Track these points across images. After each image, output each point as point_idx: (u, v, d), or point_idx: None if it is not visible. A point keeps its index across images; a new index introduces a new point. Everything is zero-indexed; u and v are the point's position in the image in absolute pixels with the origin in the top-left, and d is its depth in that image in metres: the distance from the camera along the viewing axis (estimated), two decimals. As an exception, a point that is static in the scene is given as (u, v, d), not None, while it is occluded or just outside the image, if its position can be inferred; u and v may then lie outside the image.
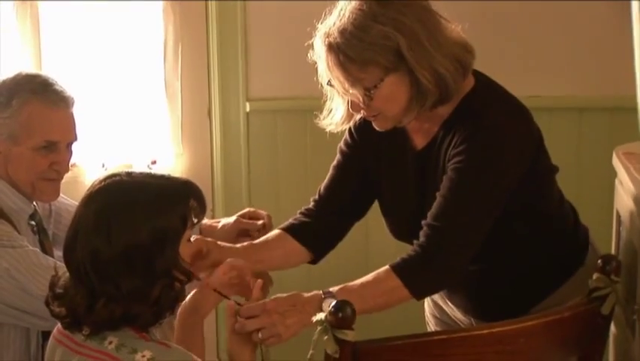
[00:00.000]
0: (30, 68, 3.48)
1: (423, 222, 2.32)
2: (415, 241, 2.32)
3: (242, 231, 2.84)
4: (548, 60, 3.92)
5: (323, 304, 2.17)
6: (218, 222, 2.89)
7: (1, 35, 3.53)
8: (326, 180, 2.64)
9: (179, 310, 2.23)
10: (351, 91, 2.29)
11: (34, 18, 3.56)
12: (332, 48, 2.26)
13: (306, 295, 2.22)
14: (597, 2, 3.85)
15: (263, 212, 2.89)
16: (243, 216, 2.87)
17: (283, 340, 2.11)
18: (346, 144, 2.59)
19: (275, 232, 2.63)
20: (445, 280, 2.37)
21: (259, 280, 2.24)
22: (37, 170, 2.63)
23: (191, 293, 2.24)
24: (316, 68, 2.37)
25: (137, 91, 3.87)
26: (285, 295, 2.21)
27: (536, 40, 3.92)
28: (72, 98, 2.67)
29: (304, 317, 2.15)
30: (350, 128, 2.57)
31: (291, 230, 2.61)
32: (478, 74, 2.42)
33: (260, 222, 2.84)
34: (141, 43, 3.86)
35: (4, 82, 2.64)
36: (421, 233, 2.31)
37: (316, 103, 2.47)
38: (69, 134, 2.68)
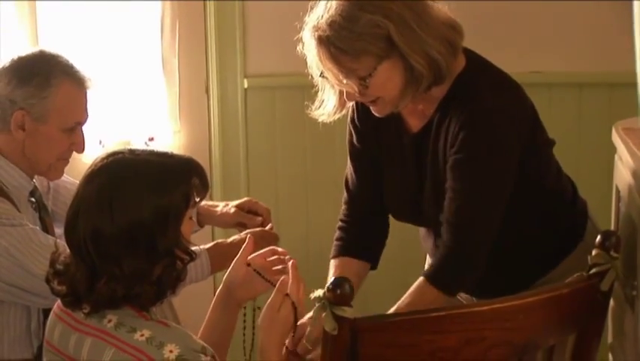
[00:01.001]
0: (26, 40, 3.48)
1: (442, 217, 2.36)
2: (440, 241, 2.37)
3: (240, 223, 2.84)
4: (548, 36, 3.90)
5: None
6: (217, 206, 2.89)
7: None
8: (349, 175, 2.64)
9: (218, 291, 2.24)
10: (345, 82, 2.29)
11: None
12: (322, 41, 2.26)
13: None
14: (597, -23, 3.84)
15: (262, 205, 2.88)
16: (242, 207, 2.86)
17: None
18: (352, 139, 2.60)
19: (335, 261, 2.61)
20: (476, 271, 2.40)
21: (293, 261, 2.23)
22: (60, 150, 2.66)
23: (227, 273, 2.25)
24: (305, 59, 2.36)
25: (134, 68, 3.87)
26: None
27: (536, 16, 3.90)
28: (90, 79, 2.70)
29: None
30: (352, 122, 2.58)
31: (348, 252, 2.61)
32: (468, 52, 2.42)
33: (259, 218, 2.84)
34: (138, 20, 3.85)
35: (30, 60, 2.64)
36: (444, 231, 2.36)
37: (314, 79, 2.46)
38: (87, 115, 2.71)
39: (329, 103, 2.45)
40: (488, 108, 2.33)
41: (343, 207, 2.67)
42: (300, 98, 3.79)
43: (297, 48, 2.37)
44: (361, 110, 2.52)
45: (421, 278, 2.37)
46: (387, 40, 2.25)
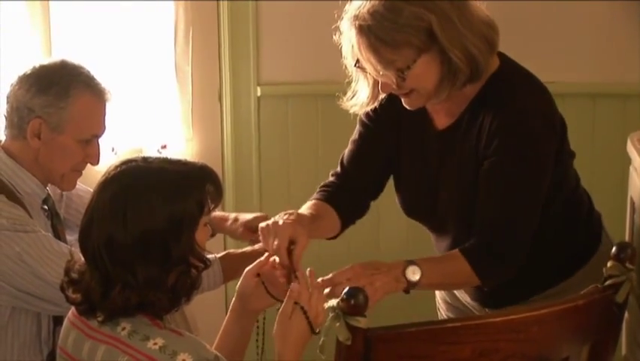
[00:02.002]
0: (40, 50, 3.48)
1: (478, 218, 2.35)
2: (473, 240, 2.34)
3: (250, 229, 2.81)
4: (562, 47, 3.90)
5: (407, 271, 2.25)
6: (226, 220, 2.86)
7: (10, 18, 3.51)
8: (347, 154, 2.63)
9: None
10: (382, 73, 2.28)
11: (44, 2, 3.54)
12: (363, 31, 2.25)
13: (385, 263, 2.27)
14: (612, -12, 3.83)
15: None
16: (250, 225, 2.81)
17: (371, 303, 2.06)
18: (368, 117, 2.58)
19: (314, 201, 2.59)
20: (512, 269, 2.38)
21: (311, 270, 2.22)
22: (74, 161, 2.66)
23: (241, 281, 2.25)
24: (328, 50, 2.35)
25: (147, 75, 3.86)
26: (364, 262, 2.25)
27: (550, 26, 3.90)
28: (110, 92, 2.70)
29: (390, 281, 2.23)
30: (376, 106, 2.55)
31: (329, 200, 2.58)
32: (501, 54, 2.42)
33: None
34: (152, 28, 3.85)
35: (51, 69, 2.64)
36: (479, 232, 2.35)
37: (327, 87, 2.47)
38: (105, 129, 2.71)
39: (362, 94, 2.44)
40: (524, 109, 2.33)
41: (330, 178, 2.65)
42: (313, 106, 3.83)
43: (334, 36, 2.35)
44: (387, 98, 2.50)
45: (455, 250, 2.35)
46: (428, 33, 2.24)
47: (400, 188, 2.60)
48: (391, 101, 2.46)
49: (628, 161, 2.88)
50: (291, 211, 2.38)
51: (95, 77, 2.67)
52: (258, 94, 4.01)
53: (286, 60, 3.99)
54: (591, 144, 3.91)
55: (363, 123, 2.60)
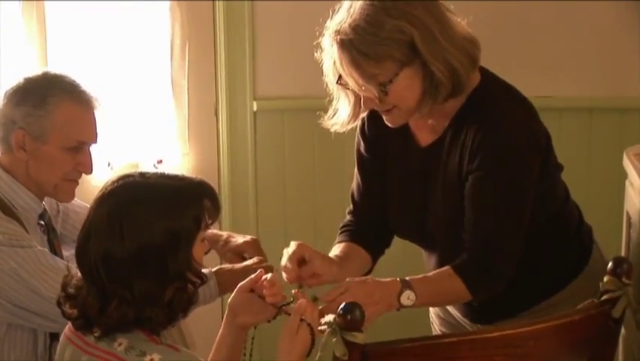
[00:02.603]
0: (35, 68, 3.48)
1: (465, 235, 2.34)
2: (463, 252, 2.34)
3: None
4: (558, 61, 3.90)
5: (401, 296, 2.24)
6: (218, 241, 2.85)
7: (7, 35, 3.51)
8: (355, 187, 2.63)
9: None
10: (365, 87, 2.28)
11: (40, 17, 3.54)
12: (345, 45, 2.25)
13: (383, 282, 2.25)
14: (607, 3, 3.84)
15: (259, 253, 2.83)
16: (240, 251, 2.80)
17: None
18: (360, 146, 2.58)
19: (340, 244, 2.58)
20: (502, 281, 2.37)
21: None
22: (63, 170, 2.64)
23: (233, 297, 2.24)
24: (322, 68, 2.35)
25: (143, 90, 3.86)
26: (360, 280, 2.24)
27: (546, 40, 3.90)
28: (97, 101, 2.68)
29: (383, 309, 2.22)
30: (361, 131, 2.56)
31: (354, 239, 2.58)
32: (482, 69, 2.41)
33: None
34: (148, 42, 3.85)
35: (32, 80, 2.64)
36: (468, 247, 2.34)
37: (324, 102, 2.46)
38: (96, 136, 2.70)
39: (343, 112, 2.43)
40: (506, 123, 2.32)
41: (347, 217, 2.64)
42: (310, 121, 3.79)
43: (316, 54, 2.35)
44: (370, 119, 2.50)
45: (447, 268, 2.35)
46: (410, 46, 2.23)
47: (389, 211, 2.59)
48: (375, 120, 2.46)
49: (624, 175, 2.88)
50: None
51: (80, 85, 2.65)
52: (254, 108, 4.01)
53: (282, 75, 3.99)
54: (587, 158, 3.91)
55: (358, 153, 2.60)
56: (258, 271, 2.27)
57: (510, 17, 3.86)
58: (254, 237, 2.87)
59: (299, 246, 2.33)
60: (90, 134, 2.67)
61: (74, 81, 2.66)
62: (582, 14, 3.88)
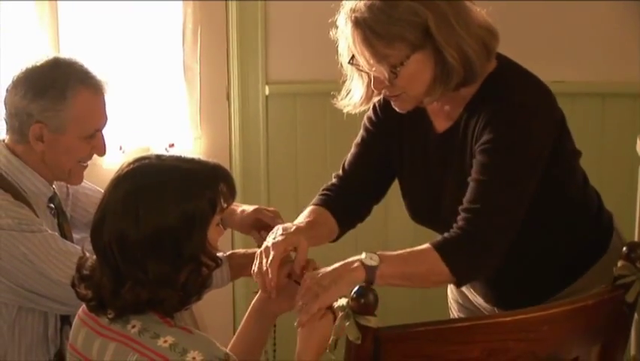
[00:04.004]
0: (48, 47, 3.48)
1: (460, 207, 2.29)
2: (454, 225, 2.28)
3: (257, 221, 2.78)
4: (571, 46, 3.90)
5: (364, 258, 2.17)
6: (239, 206, 2.85)
7: (20, 21, 3.51)
8: (349, 157, 2.62)
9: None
10: (375, 68, 2.27)
11: (52, 2, 3.54)
12: (359, 24, 2.24)
13: (350, 268, 2.18)
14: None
15: (268, 214, 2.80)
16: (250, 221, 2.80)
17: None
18: (370, 121, 2.58)
19: (312, 207, 2.58)
20: (486, 261, 2.30)
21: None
22: (80, 156, 2.65)
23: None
24: (337, 48, 2.35)
25: (155, 74, 3.86)
26: (312, 278, 2.19)
27: (560, 25, 3.90)
28: (107, 82, 2.68)
29: (341, 289, 2.13)
30: (375, 106, 2.55)
31: (327, 205, 2.57)
32: (499, 56, 2.40)
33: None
34: (160, 26, 3.85)
35: (44, 70, 2.61)
36: (459, 217, 2.28)
37: (336, 86, 2.45)
38: (107, 119, 2.70)
39: (356, 93, 2.43)
40: (517, 103, 2.30)
41: (332, 180, 2.63)
42: (322, 105, 3.82)
43: (330, 33, 2.33)
44: (389, 103, 2.48)
45: (427, 245, 2.27)
46: (424, 29, 2.22)
47: (404, 192, 2.59)
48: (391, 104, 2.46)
49: (637, 160, 2.88)
50: (287, 225, 2.38)
51: (90, 70, 2.64)
52: (267, 93, 4.01)
53: (294, 59, 3.99)
54: (600, 143, 3.90)
55: (365, 127, 2.59)
56: (299, 248, 2.25)
57: (521, 3, 3.85)
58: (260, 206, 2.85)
59: (278, 246, 2.27)
60: (103, 120, 2.68)
61: (85, 67, 2.65)
62: (596, -1, 3.87)
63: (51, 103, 2.57)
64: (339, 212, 2.57)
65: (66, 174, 2.67)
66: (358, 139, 2.62)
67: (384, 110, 2.53)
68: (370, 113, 2.57)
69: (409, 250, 2.26)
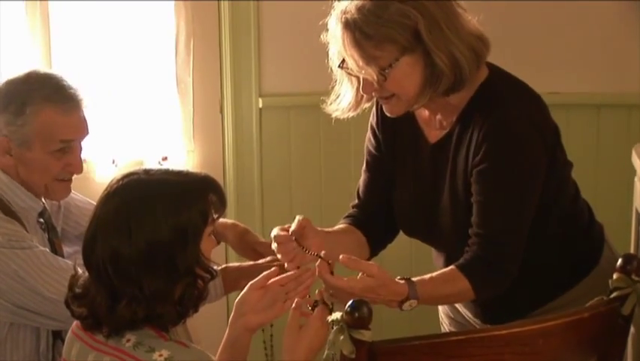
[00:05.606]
0: (40, 64, 3.46)
1: (470, 231, 2.32)
2: (466, 250, 2.32)
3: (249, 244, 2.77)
4: (566, 57, 3.90)
5: (404, 305, 2.22)
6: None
7: (11, 34, 3.51)
8: (361, 184, 2.62)
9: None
10: (365, 70, 2.26)
11: (44, 15, 3.54)
12: (348, 25, 2.24)
13: (394, 284, 2.21)
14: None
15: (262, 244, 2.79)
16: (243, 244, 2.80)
17: None
18: (371, 144, 2.58)
19: (343, 225, 2.59)
20: (508, 278, 2.34)
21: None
22: (52, 173, 2.61)
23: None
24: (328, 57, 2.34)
25: (148, 87, 3.86)
26: (368, 285, 2.19)
27: (554, 36, 3.90)
28: (83, 97, 2.64)
29: (378, 302, 2.18)
30: (372, 125, 2.56)
31: (357, 224, 2.58)
32: (491, 65, 2.40)
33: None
34: (153, 39, 3.85)
35: (15, 83, 2.60)
36: (473, 243, 2.32)
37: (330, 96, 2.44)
38: (83, 133, 2.66)
39: (345, 98, 2.42)
40: (512, 116, 2.30)
41: (351, 210, 2.63)
42: (315, 117, 3.81)
43: (322, 36, 2.34)
44: (381, 116, 2.49)
45: (452, 268, 2.32)
46: (414, 32, 2.22)
47: (398, 209, 2.57)
48: (387, 118, 2.45)
49: (633, 172, 2.87)
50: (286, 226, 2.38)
51: (65, 85, 2.60)
52: (260, 105, 4.00)
53: (288, 71, 3.98)
54: (596, 154, 3.90)
55: (368, 151, 2.60)
56: (273, 268, 2.25)
57: (518, 13, 3.86)
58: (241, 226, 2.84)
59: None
60: (75, 132, 2.63)
61: (59, 82, 2.61)
62: (590, 10, 3.87)
63: (13, 117, 2.55)
64: (369, 231, 2.58)
65: (43, 191, 2.63)
66: (365, 165, 2.62)
67: (381, 129, 2.53)
68: (369, 135, 2.58)
69: (443, 279, 2.31)
